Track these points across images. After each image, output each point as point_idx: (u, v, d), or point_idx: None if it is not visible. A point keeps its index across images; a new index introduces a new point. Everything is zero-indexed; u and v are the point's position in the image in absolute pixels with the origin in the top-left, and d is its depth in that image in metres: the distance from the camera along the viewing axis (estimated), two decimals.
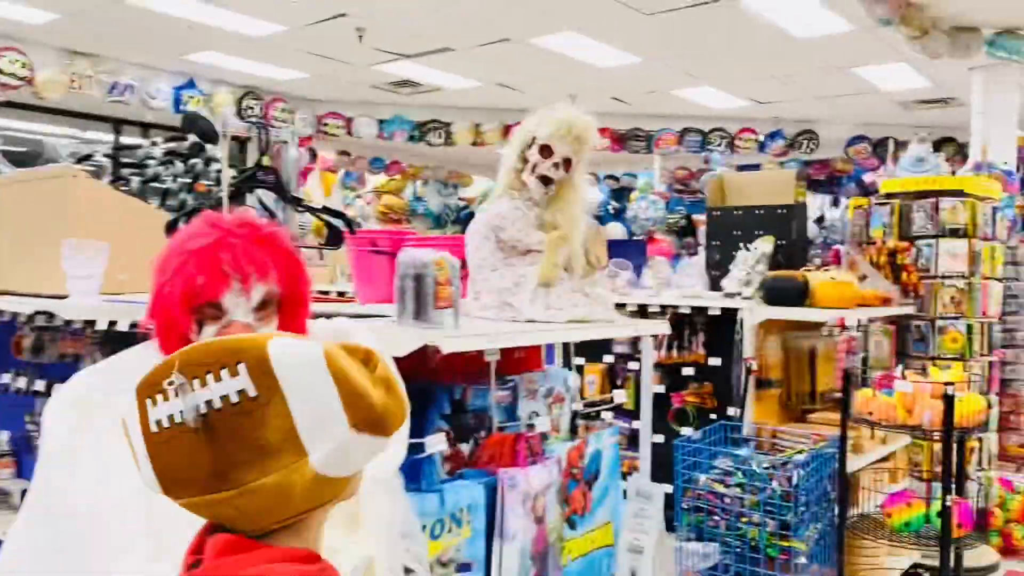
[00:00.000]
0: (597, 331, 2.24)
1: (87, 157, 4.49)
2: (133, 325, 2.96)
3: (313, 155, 11.01)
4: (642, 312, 4.46)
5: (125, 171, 4.47)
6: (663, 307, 4.34)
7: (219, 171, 4.97)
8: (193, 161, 4.60)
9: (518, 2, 6.35)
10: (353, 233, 2.53)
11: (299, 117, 9.72)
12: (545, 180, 2.42)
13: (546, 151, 2.40)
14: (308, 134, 10.00)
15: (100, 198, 3.37)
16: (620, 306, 4.57)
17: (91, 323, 2.79)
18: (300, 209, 2.39)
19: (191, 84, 8.68)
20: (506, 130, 10.02)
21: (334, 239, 2.34)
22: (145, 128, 9.23)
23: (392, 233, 2.73)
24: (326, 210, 2.52)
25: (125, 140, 8.86)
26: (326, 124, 9.92)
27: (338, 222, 2.49)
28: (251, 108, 9.24)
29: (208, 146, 4.86)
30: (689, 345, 4.38)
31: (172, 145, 4.56)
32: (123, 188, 4.37)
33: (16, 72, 7.43)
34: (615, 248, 4.91)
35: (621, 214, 10.78)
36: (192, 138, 4.69)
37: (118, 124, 9.36)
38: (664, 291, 4.42)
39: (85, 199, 3.28)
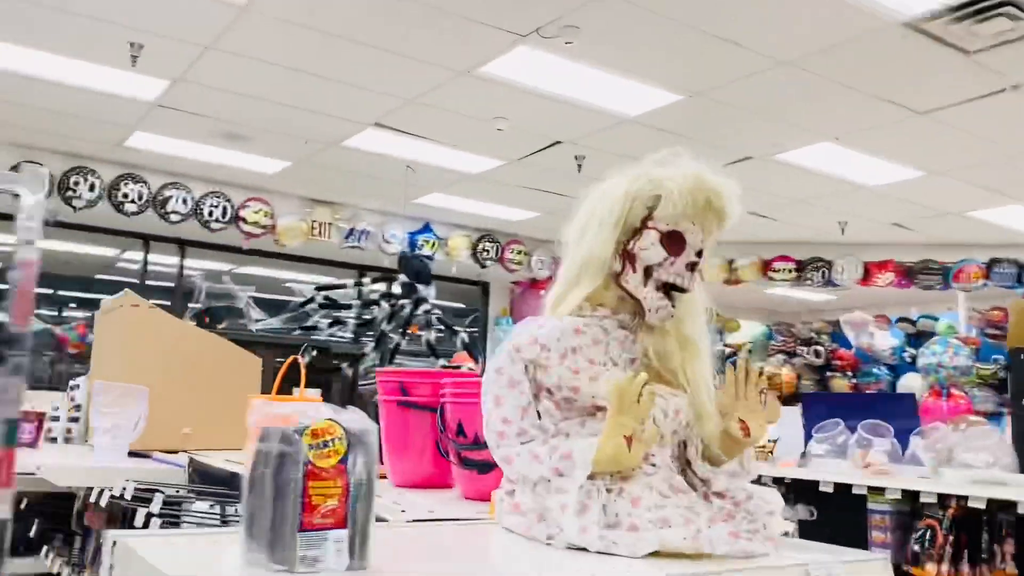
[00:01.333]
0: None
1: (309, 301, 4.24)
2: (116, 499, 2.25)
3: None
4: (911, 504, 3.06)
5: (341, 313, 4.17)
6: (942, 496, 2.93)
7: (428, 311, 4.44)
8: (402, 302, 4.16)
9: (756, 112, 5.36)
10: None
11: (536, 259, 9.24)
12: (672, 291, 1.39)
13: (675, 242, 1.38)
14: (547, 276, 9.47)
15: (167, 332, 2.82)
16: (877, 491, 3.19)
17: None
18: None
19: (427, 228, 8.56)
20: (764, 265, 8.80)
21: None
22: (386, 273, 9.23)
23: (432, 375, 1.80)
24: None
25: (331, 280, 8.85)
26: None
27: None
28: (487, 251, 8.92)
29: (420, 287, 4.39)
30: (990, 557, 2.89)
31: (381, 287, 4.20)
32: (340, 332, 4.04)
33: (259, 221, 7.69)
34: (870, 405, 3.57)
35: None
36: (402, 278, 4.27)
37: (362, 271, 9.46)
38: (944, 471, 3.00)
39: (143, 330, 2.74)
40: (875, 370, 9.49)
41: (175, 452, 2.69)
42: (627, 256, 1.39)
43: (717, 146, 6.06)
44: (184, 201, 7.32)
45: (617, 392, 1.20)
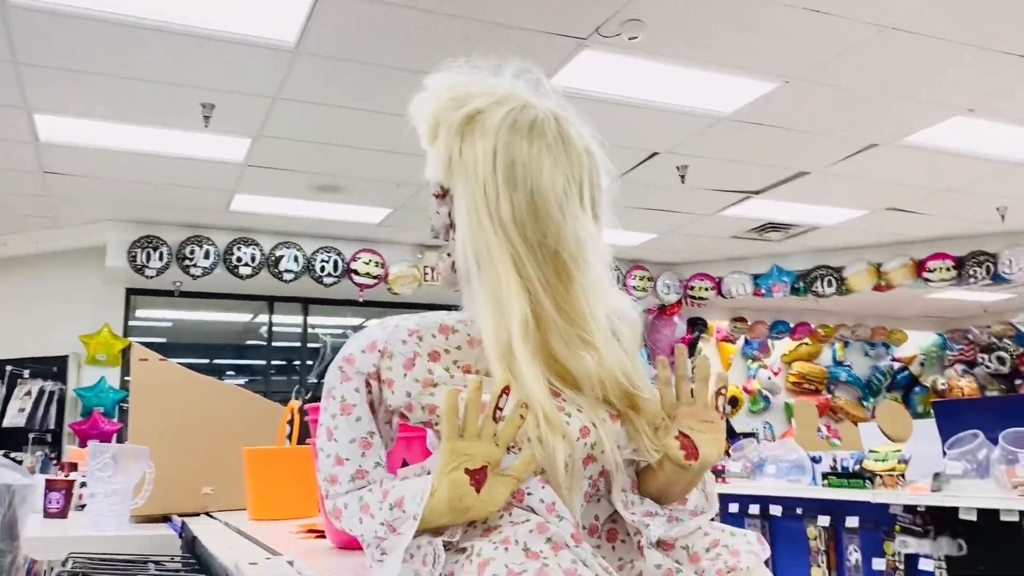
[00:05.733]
0: None
1: None
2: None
3: (700, 324, 9.89)
4: None
5: None
6: None
7: None
8: None
9: (868, 90, 4.75)
10: None
11: (662, 283, 8.75)
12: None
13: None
14: (675, 300, 8.95)
15: (181, 385, 2.65)
16: None
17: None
18: None
19: None
20: (917, 266, 7.90)
21: None
22: None
23: None
24: None
25: None
26: (692, 287, 8.78)
27: None
28: None
29: None
30: None
31: None
32: None
33: (371, 271, 7.66)
34: (1015, 411, 2.89)
35: None
36: None
37: None
38: None
39: (154, 387, 2.58)
40: None
41: (196, 515, 2.49)
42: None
43: (832, 136, 5.46)
44: (296, 259, 7.40)
45: (450, 404, 0.84)
